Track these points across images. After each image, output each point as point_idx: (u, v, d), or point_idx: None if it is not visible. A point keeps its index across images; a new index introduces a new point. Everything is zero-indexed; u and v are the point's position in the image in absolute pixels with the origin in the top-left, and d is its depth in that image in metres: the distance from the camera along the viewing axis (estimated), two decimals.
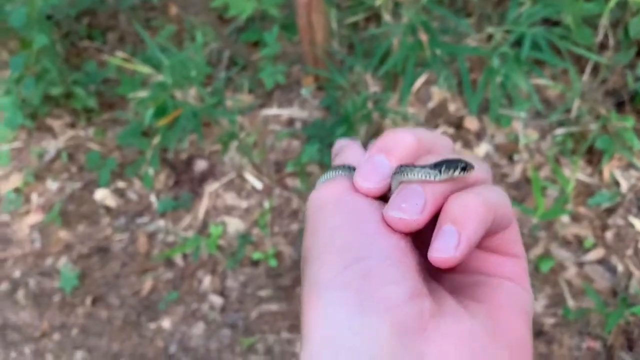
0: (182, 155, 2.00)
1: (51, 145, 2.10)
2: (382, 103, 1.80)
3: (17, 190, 2.03)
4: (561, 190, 1.73)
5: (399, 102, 1.81)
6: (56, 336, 1.75)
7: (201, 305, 1.74)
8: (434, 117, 1.92)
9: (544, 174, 1.81)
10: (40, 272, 1.88)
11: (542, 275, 1.65)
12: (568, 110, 1.86)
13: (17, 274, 1.88)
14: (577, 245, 1.70)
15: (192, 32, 2.16)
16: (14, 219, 1.99)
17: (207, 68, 1.81)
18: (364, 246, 0.35)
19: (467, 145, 1.88)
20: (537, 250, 1.68)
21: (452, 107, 1.94)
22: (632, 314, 1.51)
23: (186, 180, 1.96)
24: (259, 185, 1.90)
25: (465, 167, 0.36)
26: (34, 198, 2.01)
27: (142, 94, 1.85)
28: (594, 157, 1.82)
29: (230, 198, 1.90)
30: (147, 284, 1.80)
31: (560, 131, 1.85)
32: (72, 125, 2.14)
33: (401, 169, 0.38)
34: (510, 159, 1.86)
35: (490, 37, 1.81)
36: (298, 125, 1.99)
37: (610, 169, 1.79)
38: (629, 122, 1.73)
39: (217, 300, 1.74)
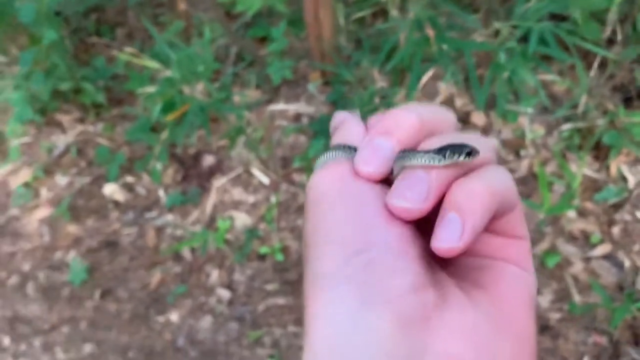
0: (190, 151, 2.01)
1: (60, 140, 2.11)
2: (389, 98, 1.80)
3: (26, 185, 2.04)
4: (568, 185, 1.73)
5: (405, 98, 1.81)
6: (65, 329, 1.77)
7: (209, 298, 1.75)
8: None
9: (550, 169, 1.80)
10: (50, 265, 1.89)
11: (548, 270, 1.65)
12: (575, 106, 1.85)
13: (26, 267, 1.90)
14: (584, 240, 1.70)
15: (200, 28, 2.17)
16: (23, 213, 2.01)
17: (215, 63, 1.82)
18: (366, 237, 0.34)
19: None
20: (543, 246, 1.69)
21: (458, 103, 1.94)
22: (638, 309, 1.51)
23: (194, 175, 1.97)
24: (266, 180, 1.91)
25: (471, 152, 0.35)
26: (43, 192, 2.03)
27: (151, 89, 1.86)
28: (600, 152, 1.81)
29: (237, 193, 1.91)
30: (156, 277, 1.81)
31: (567, 127, 1.85)
32: (81, 121, 2.15)
33: (404, 153, 0.36)
34: (517, 154, 1.86)
35: (497, 33, 1.80)
36: (305, 120, 2.00)
37: (618, 164, 1.78)
38: (637, 117, 1.72)
39: (224, 293, 1.75)
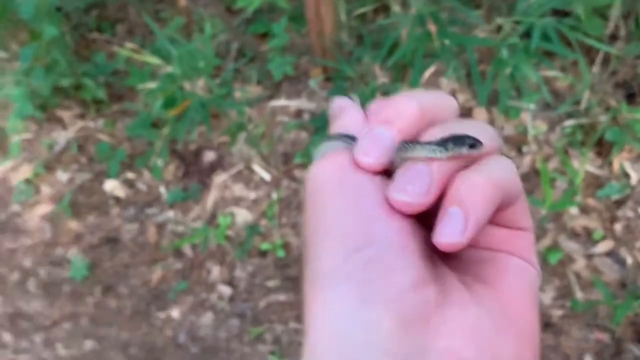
0: (191, 147, 2.01)
1: (61, 137, 2.11)
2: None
3: (27, 181, 2.04)
4: (570, 182, 1.72)
5: None
6: (66, 325, 1.77)
7: (210, 295, 1.75)
8: None
9: (552, 165, 1.80)
10: (51, 261, 1.89)
11: (551, 267, 1.65)
12: (577, 102, 1.85)
13: (27, 263, 1.90)
14: (586, 237, 1.69)
15: (200, 24, 2.17)
16: (24, 210, 2.01)
17: (216, 59, 1.81)
18: (366, 231, 0.33)
19: None
20: (546, 242, 1.68)
21: (461, 98, 1.93)
22: None
23: (195, 172, 1.97)
24: (267, 176, 1.91)
25: (474, 143, 0.34)
26: (44, 189, 2.03)
27: (151, 85, 1.85)
28: (603, 148, 1.81)
29: (238, 189, 1.91)
30: (157, 274, 1.81)
31: (569, 123, 1.84)
32: (82, 117, 2.15)
33: (405, 144, 0.35)
34: (519, 150, 1.85)
35: (499, 28, 1.79)
36: (306, 116, 2.00)
37: (620, 160, 1.78)
38: None
39: (225, 290, 1.75)
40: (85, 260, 1.86)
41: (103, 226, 1.93)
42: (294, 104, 2.02)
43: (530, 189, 1.77)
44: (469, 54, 1.59)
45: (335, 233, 0.33)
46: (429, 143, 0.35)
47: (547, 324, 1.57)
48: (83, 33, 2.32)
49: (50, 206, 1.99)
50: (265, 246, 1.78)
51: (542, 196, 1.63)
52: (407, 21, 1.68)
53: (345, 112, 0.41)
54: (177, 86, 1.76)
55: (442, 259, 0.37)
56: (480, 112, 1.91)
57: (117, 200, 1.97)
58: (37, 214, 1.99)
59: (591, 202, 1.74)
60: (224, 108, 1.86)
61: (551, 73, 1.89)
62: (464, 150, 0.34)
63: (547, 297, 1.61)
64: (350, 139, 0.38)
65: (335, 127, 0.40)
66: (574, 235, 1.70)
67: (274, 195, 1.86)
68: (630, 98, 1.85)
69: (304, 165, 1.89)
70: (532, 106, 1.86)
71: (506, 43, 1.63)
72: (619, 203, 1.73)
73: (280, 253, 1.76)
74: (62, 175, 2.04)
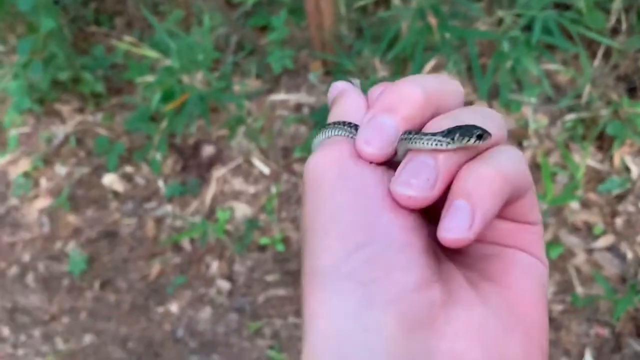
0: (190, 140, 2.00)
1: (59, 130, 2.10)
2: None
3: (26, 175, 2.03)
4: (571, 176, 1.71)
5: None
6: (65, 319, 1.77)
7: (209, 289, 1.75)
8: None
9: (553, 159, 1.79)
10: (49, 256, 1.89)
11: (551, 261, 1.64)
12: (579, 96, 1.84)
13: (26, 257, 1.89)
14: (587, 231, 1.69)
15: (199, 17, 2.15)
16: (23, 204, 2.00)
17: (215, 53, 1.80)
18: (368, 227, 0.32)
19: None
20: (546, 237, 1.67)
21: None
22: None
23: (194, 166, 1.96)
24: (266, 170, 1.90)
25: (482, 135, 0.32)
26: (43, 182, 2.02)
27: (150, 78, 1.84)
28: (604, 143, 1.80)
29: (237, 183, 1.90)
30: (155, 268, 1.81)
31: (570, 117, 1.83)
32: (81, 110, 2.14)
33: (409, 135, 0.33)
34: (520, 144, 1.84)
35: (500, 21, 1.78)
36: (306, 110, 1.99)
37: (621, 155, 1.77)
38: None
39: (224, 284, 1.75)
40: (84, 254, 1.85)
41: (101, 220, 1.92)
42: (293, 97, 2.01)
43: None
44: (470, 47, 1.57)
45: (335, 229, 0.32)
46: (435, 134, 0.33)
47: None
48: (81, 26, 2.30)
49: (49, 200, 1.98)
50: (264, 240, 1.77)
51: (543, 190, 1.62)
52: (407, 14, 1.67)
53: (345, 97, 0.39)
54: (175, 80, 1.75)
55: (447, 256, 0.35)
56: (481, 106, 1.90)
57: (116, 194, 1.96)
58: (36, 208, 1.98)
59: (592, 196, 1.73)
60: (223, 102, 1.84)
61: (552, 66, 1.88)
62: (472, 142, 0.32)
63: (548, 291, 1.61)
64: (351, 127, 0.36)
65: (335, 114, 0.38)
66: (574, 229, 1.69)
67: (273, 190, 1.85)
68: (631, 92, 1.84)
69: (304, 159, 1.88)
70: (533, 100, 1.85)
71: (507, 36, 1.62)
72: (620, 197, 1.73)
73: (280, 247, 1.76)
74: (60, 169, 2.03)
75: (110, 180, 1.98)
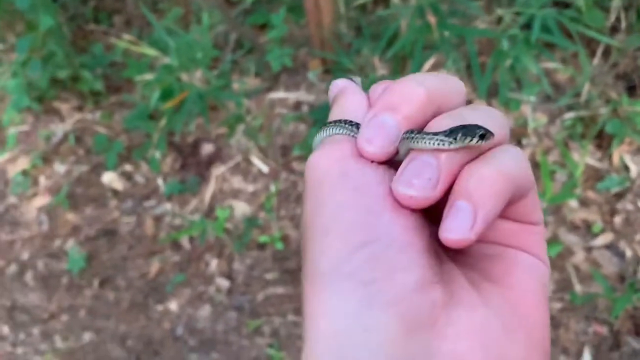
0: (189, 139, 2.00)
1: (59, 128, 2.10)
2: None
3: (24, 173, 2.03)
4: (570, 174, 1.71)
5: None
6: (64, 317, 1.77)
7: (208, 287, 1.75)
8: None
9: (552, 158, 1.79)
10: (48, 254, 1.89)
11: (550, 260, 1.64)
12: (578, 94, 1.84)
13: (25, 256, 1.89)
14: (586, 230, 1.69)
15: (198, 15, 2.15)
16: (22, 202, 2.00)
17: (214, 51, 1.80)
18: (369, 227, 0.31)
19: None
20: (545, 235, 1.67)
21: None
22: (639, 299, 1.50)
23: (193, 164, 1.96)
24: (265, 168, 1.90)
25: (484, 134, 0.32)
26: (42, 181, 2.02)
27: (149, 76, 1.84)
28: (603, 141, 1.80)
29: (236, 181, 1.90)
30: (154, 266, 1.81)
31: (569, 115, 1.83)
32: (80, 109, 2.14)
33: (411, 134, 0.33)
34: (519, 143, 1.84)
35: (499, 19, 1.78)
36: (305, 108, 1.99)
37: (620, 153, 1.77)
38: None
39: (223, 283, 1.75)
40: (83, 252, 1.85)
41: (101, 218, 1.92)
42: (292, 95, 2.01)
43: None
44: (469, 46, 1.57)
45: (336, 229, 0.32)
46: (437, 133, 0.33)
47: None
48: (80, 24, 2.30)
49: (48, 198, 1.98)
50: (263, 239, 1.77)
51: (542, 189, 1.62)
52: (406, 12, 1.67)
53: (346, 96, 0.38)
54: (174, 78, 1.74)
55: (449, 256, 0.35)
56: (480, 104, 1.90)
57: (115, 192, 1.96)
58: (35, 206, 1.98)
59: (591, 194, 1.74)
60: (222, 100, 1.84)
61: (551, 65, 1.88)
62: (474, 142, 0.32)
63: None
64: (352, 125, 0.36)
65: (336, 112, 0.38)
66: (573, 228, 1.69)
67: (273, 188, 1.85)
68: (630, 90, 1.84)
69: (303, 158, 1.88)
70: (532, 98, 1.85)
71: (506, 34, 1.62)
72: (619, 196, 1.73)
73: (279, 245, 1.76)
74: (59, 167, 2.03)
75: (110, 178, 1.98)
